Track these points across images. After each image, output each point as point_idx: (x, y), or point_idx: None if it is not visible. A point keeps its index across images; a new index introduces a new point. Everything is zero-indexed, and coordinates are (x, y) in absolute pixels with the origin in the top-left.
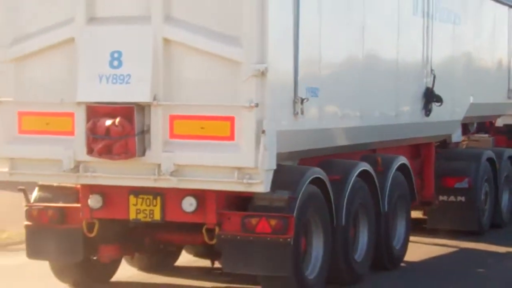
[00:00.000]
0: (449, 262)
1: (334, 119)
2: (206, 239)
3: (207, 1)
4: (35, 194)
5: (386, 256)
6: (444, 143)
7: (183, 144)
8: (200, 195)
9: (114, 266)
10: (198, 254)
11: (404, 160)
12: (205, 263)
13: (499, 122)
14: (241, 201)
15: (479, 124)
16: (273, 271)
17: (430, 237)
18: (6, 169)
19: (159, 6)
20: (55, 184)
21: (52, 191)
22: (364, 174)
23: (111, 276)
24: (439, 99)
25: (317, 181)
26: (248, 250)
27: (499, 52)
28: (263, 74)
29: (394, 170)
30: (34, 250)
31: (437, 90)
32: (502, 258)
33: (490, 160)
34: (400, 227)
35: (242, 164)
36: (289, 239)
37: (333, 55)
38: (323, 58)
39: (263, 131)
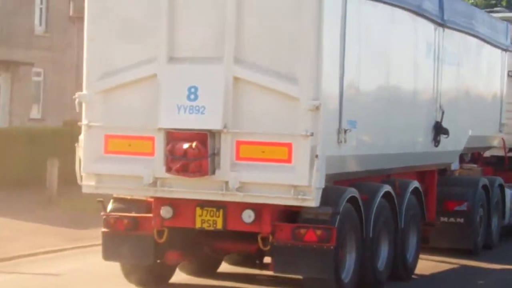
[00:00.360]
0: (453, 275)
1: (367, 147)
2: (261, 246)
3: (271, 46)
4: (110, 205)
5: (401, 267)
6: (443, 171)
7: (247, 165)
8: (257, 209)
9: (172, 270)
10: (235, 263)
11: (417, 184)
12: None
13: (487, 153)
14: (290, 214)
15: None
16: (317, 274)
17: (432, 254)
18: (93, 183)
19: (231, 49)
20: (128, 197)
21: (125, 203)
22: (386, 195)
23: (169, 279)
24: (446, 132)
25: (352, 200)
26: (296, 255)
27: (493, 90)
28: (317, 108)
29: (409, 193)
30: (110, 253)
31: (444, 124)
32: (498, 273)
33: (484, 187)
34: (413, 242)
35: (298, 182)
36: (332, 247)
37: (366, 93)
38: (359, 95)
39: (317, 156)
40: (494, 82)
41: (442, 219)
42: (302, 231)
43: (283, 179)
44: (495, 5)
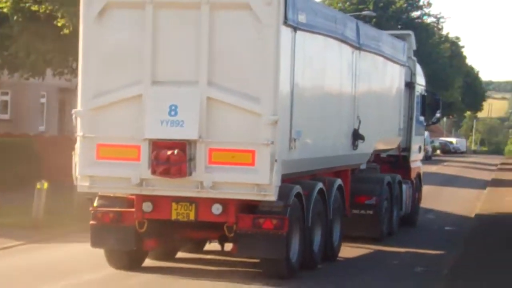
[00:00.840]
0: (369, 257)
1: (308, 152)
2: (226, 233)
3: (238, 72)
4: (96, 201)
5: (329, 250)
6: (352, 170)
7: (218, 168)
8: (223, 203)
9: (145, 255)
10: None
11: (341, 182)
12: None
13: (383, 154)
14: (250, 207)
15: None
16: (273, 255)
17: (346, 241)
18: (87, 184)
19: (204, 74)
20: (111, 195)
21: (109, 200)
22: (320, 191)
23: (142, 263)
24: (362, 138)
25: (298, 195)
26: (256, 240)
27: (394, 99)
28: (275, 122)
29: (335, 189)
30: (97, 241)
31: (360, 131)
32: (402, 254)
33: (388, 183)
34: (337, 230)
35: (260, 181)
36: (285, 233)
37: (307, 108)
38: (303, 110)
39: (276, 160)
40: (395, 93)
41: (354, 211)
42: (261, 220)
43: (248, 179)
44: (362, 9)
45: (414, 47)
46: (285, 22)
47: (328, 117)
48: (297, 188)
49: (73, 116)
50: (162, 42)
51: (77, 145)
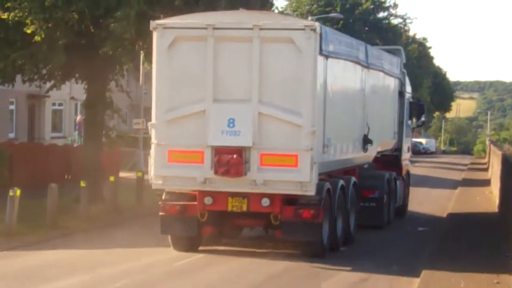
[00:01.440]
0: (378, 241)
1: (334, 155)
2: (272, 221)
3: (283, 92)
4: (164, 196)
5: (348, 235)
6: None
7: (268, 169)
8: (270, 197)
9: (202, 240)
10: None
11: (355, 179)
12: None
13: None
14: (291, 200)
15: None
16: (310, 238)
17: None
18: (160, 182)
19: (255, 94)
20: (176, 191)
21: (174, 195)
22: (342, 187)
23: (199, 246)
24: (371, 142)
25: (328, 190)
26: (296, 227)
27: (391, 107)
28: (314, 132)
29: (351, 185)
30: (165, 229)
31: (369, 136)
32: (400, 239)
33: (387, 180)
34: (352, 219)
35: (302, 179)
36: (320, 221)
37: (334, 119)
38: (331, 121)
39: (314, 162)
40: (391, 102)
41: (361, 204)
42: (301, 210)
43: (292, 178)
44: (330, 11)
45: (404, 61)
46: (320, 52)
47: (347, 126)
48: (327, 185)
49: (149, 128)
50: (221, 68)
51: (152, 151)
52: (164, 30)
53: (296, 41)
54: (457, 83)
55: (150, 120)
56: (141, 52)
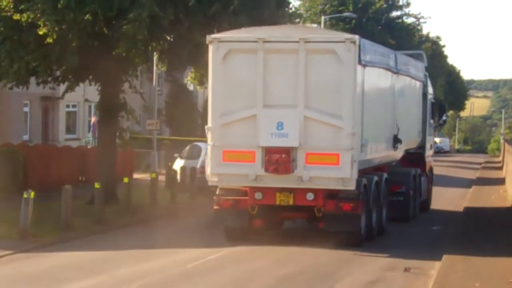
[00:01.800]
0: (407, 232)
1: (370, 154)
2: (316, 214)
3: (326, 98)
4: (218, 192)
5: (380, 227)
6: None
7: (313, 167)
8: (314, 192)
9: (251, 231)
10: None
11: (386, 175)
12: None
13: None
14: (332, 194)
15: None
16: (350, 228)
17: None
18: (216, 179)
19: (301, 100)
20: (229, 187)
21: (227, 191)
22: (376, 182)
23: (249, 236)
24: (400, 141)
25: (365, 185)
26: (338, 218)
27: (416, 109)
28: (354, 134)
29: (383, 181)
30: (220, 221)
31: (398, 136)
32: (426, 230)
33: (413, 176)
34: (384, 212)
35: (344, 176)
36: (359, 213)
37: (370, 121)
38: (367, 123)
39: (355, 161)
40: (416, 103)
41: (390, 198)
42: (342, 204)
43: (334, 174)
44: (343, 11)
45: (426, 64)
46: (359, 62)
47: (380, 127)
48: (364, 180)
49: (206, 131)
50: (270, 77)
51: (208, 151)
52: (219, 44)
53: (338, 52)
54: (471, 82)
55: (166, 121)
56: (155, 53)
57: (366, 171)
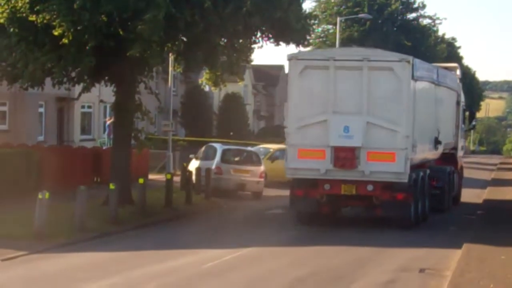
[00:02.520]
0: (443, 220)
1: (419, 153)
2: (375, 202)
3: (385, 106)
4: (293, 183)
5: (424, 214)
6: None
7: (373, 163)
8: (374, 184)
9: (318, 215)
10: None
11: (428, 171)
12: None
13: None
14: (388, 186)
15: None
16: (403, 215)
17: None
18: (292, 172)
19: (364, 108)
20: (302, 178)
21: (300, 181)
22: (422, 177)
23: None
24: (440, 142)
25: (414, 179)
26: (393, 206)
27: (452, 115)
28: (408, 137)
29: (427, 176)
30: (293, 207)
31: (439, 138)
32: (459, 218)
33: (448, 172)
34: (427, 202)
35: (399, 170)
36: (411, 202)
37: (418, 126)
38: (417, 128)
39: (408, 159)
40: (451, 110)
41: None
42: (396, 194)
43: (391, 169)
44: (358, 12)
45: (460, 76)
46: (412, 77)
47: (426, 130)
48: (414, 175)
49: (285, 133)
50: (339, 89)
51: (286, 150)
52: (297, 61)
53: (395, 70)
54: (486, 83)
55: (181, 122)
56: (170, 54)
57: (414, 167)
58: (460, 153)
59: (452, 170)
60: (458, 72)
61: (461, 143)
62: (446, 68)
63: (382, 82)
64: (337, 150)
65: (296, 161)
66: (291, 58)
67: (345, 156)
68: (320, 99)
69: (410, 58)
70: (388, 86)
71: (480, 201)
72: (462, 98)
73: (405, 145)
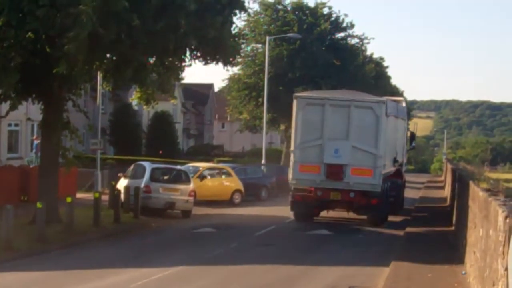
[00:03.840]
0: (376, 236)
1: (386, 169)
2: (354, 206)
3: (365, 135)
4: (292, 190)
5: (388, 214)
6: None
7: (355, 177)
8: (355, 191)
9: (312, 216)
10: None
11: (390, 182)
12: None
13: None
14: (365, 193)
15: None
16: (377, 214)
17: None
18: (295, 182)
19: (350, 136)
20: (300, 187)
21: (299, 190)
22: (387, 186)
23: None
24: (397, 161)
25: (385, 189)
26: (368, 208)
27: (403, 138)
28: (381, 157)
29: (390, 185)
30: (293, 209)
31: (397, 158)
32: (393, 234)
33: (399, 184)
34: (389, 205)
35: (374, 182)
36: (382, 205)
37: (387, 150)
38: (386, 151)
39: (381, 173)
40: (403, 134)
41: None
42: (371, 200)
43: (369, 182)
44: (287, 31)
45: (406, 107)
46: (385, 114)
47: (390, 152)
48: (384, 186)
49: (290, 152)
50: (331, 121)
51: (290, 165)
52: (300, 99)
53: (374, 109)
54: (414, 102)
55: (110, 140)
56: (99, 72)
57: (382, 180)
58: (404, 168)
59: (401, 182)
60: (403, 104)
61: (404, 161)
62: (394, 100)
63: (364, 117)
64: (329, 166)
65: (298, 173)
66: (296, 97)
67: (335, 171)
68: (317, 128)
69: (385, 99)
70: (368, 120)
71: (408, 218)
72: (407, 123)
73: (379, 164)
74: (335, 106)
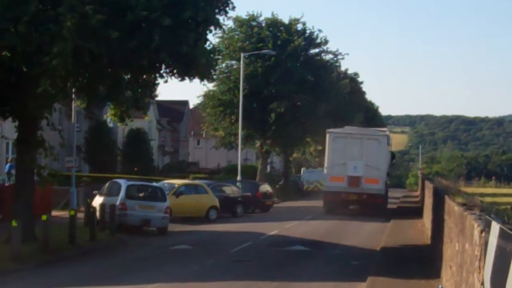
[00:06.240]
0: (353, 251)
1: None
2: (365, 204)
3: (373, 158)
4: (326, 194)
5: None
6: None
7: (368, 184)
8: (367, 194)
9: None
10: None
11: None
12: None
13: None
14: (373, 195)
15: None
16: (380, 211)
17: None
18: (327, 189)
19: (364, 158)
20: (330, 191)
21: (331, 193)
22: (386, 190)
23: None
24: (389, 174)
25: (386, 191)
26: (376, 206)
27: (388, 159)
28: (384, 172)
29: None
30: (326, 206)
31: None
32: (370, 250)
33: (387, 190)
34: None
35: (380, 188)
36: (385, 204)
37: (386, 167)
38: (386, 168)
39: (384, 183)
40: (387, 155)
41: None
42: (378, 199)
43: (376, 187)
44: (262, 48)
45: (389, 134)
46: (387, 144)
47: (387, 168)
48: (385, 190)
49: (324, 169)
50: (351, 148)
51: (325, 177)
52: (332, 133)
53: (379, 140)
54: (389, 117)
55: (85, 158)
56: (73, 89)
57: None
58: (387, 180)
59: (387, 189)
60: (387, 132)
61: (387, 175)
62: (380, 131)
63: (373, 145)
64: (350, 177)
65: (329, 183)
66: (329, 132)
67: (354, 181)
68: (343, 153)
69: (387, 132)
70: (376, 148)
71: (374, 243)
72: (389, 145)
73: (383, 176)
74: (354, 138)
